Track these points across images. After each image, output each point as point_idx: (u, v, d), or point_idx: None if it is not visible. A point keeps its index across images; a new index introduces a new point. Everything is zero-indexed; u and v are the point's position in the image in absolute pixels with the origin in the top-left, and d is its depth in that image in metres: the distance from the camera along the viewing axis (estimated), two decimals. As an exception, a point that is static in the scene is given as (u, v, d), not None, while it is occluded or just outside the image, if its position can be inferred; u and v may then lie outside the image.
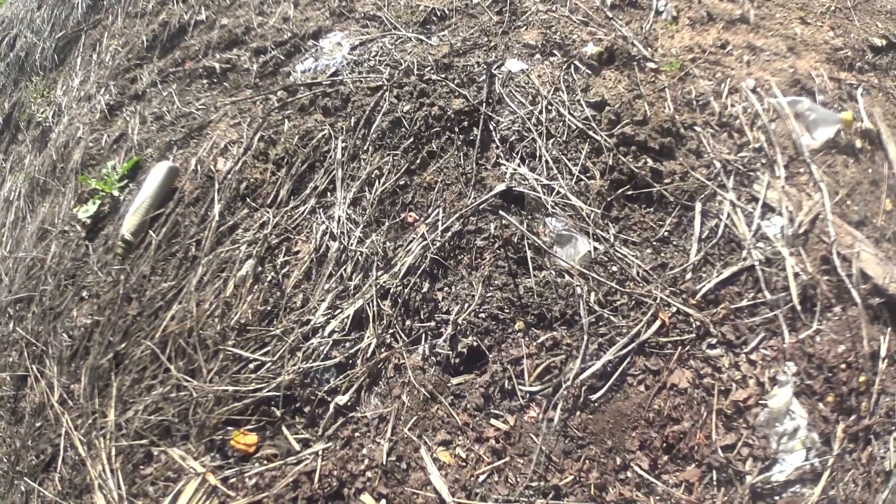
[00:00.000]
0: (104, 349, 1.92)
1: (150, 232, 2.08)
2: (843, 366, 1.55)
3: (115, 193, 2.36)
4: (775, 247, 1.70)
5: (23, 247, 2.62)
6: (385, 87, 2.07)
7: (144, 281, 1.99)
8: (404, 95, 2.04)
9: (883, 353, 1.55)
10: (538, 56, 2.19)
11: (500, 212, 1.75)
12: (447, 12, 2.47)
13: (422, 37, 2.35)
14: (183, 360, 1.74)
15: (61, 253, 2.38)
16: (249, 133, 2.18)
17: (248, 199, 2.00)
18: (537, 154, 1.84)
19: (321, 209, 1.90)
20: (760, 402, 1.51)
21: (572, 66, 2.07)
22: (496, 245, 1.71)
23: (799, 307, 1.59)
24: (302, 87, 2.26)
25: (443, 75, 2.09)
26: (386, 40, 2.39)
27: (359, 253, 1.75)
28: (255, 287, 1.78)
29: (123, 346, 1.89)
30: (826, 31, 2.42)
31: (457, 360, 1.59)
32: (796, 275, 1.63)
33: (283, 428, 1.56)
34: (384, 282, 1.69)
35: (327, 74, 2.30)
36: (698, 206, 1.75)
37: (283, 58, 2.53)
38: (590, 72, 2.06)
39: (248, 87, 2.51)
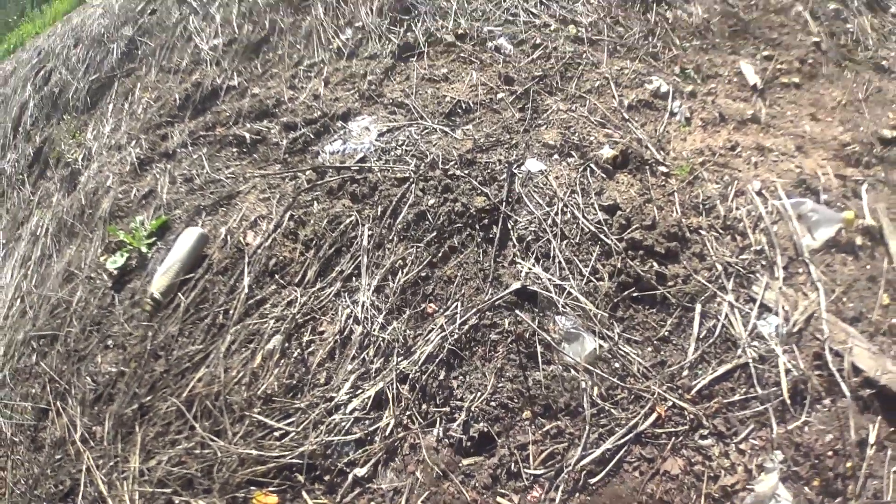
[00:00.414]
0: (129, 399, 2.38)
1: (180, 294, 2.56)
2: (830, 453, 1.93)
3: (143, 250, 2.88)
4: (769, 345, 2.14)
5: (48, 284, 3.16)
6: (412, 180, 2.62)
7: (172, 341, 2.44)
8: (429, 189, 2.56)
9: (872, 440, 1.92)
10: (556, 156, 2.76)
11: (514, 308, 2.20)
12: (472, 105, 3.03)
13: (447, 129, 2.89)
14: (209, 420, 2.16)
15: (87, 298, 2.90)
16: (279, 210, 2.68)
17: (277, 276, 2.47)
18: (551, 255, 2.31)
19: (346, 293, 2.36)
20: (747, 486, 1.91)
21: (588, 168, 2.60)
22: (509, 339, 2.19)
23: (789, 401, 1.99)
24: (331, 170, 2.78)
25: (466, 171, 2.63)
26: (412, 129, 2.94)
27: (381, 338, 2.20)
28: (282, 361, 2.22)
29: (149, 398, 2.34)
30: (836, 127, 2.96)
31: (468, 443, 1.99)
32: (787, 371, 2.03)
33: (304, 493, 1.95)
34: (404, 367, 2.13)
35: (355, 159, 2.83)
36: (698, 307, 2.20)
37: (312, 136, 3.09)
38: (604, 175, 2.57)
39: (277, 161, 3.06)
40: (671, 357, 2.16)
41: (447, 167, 2.68)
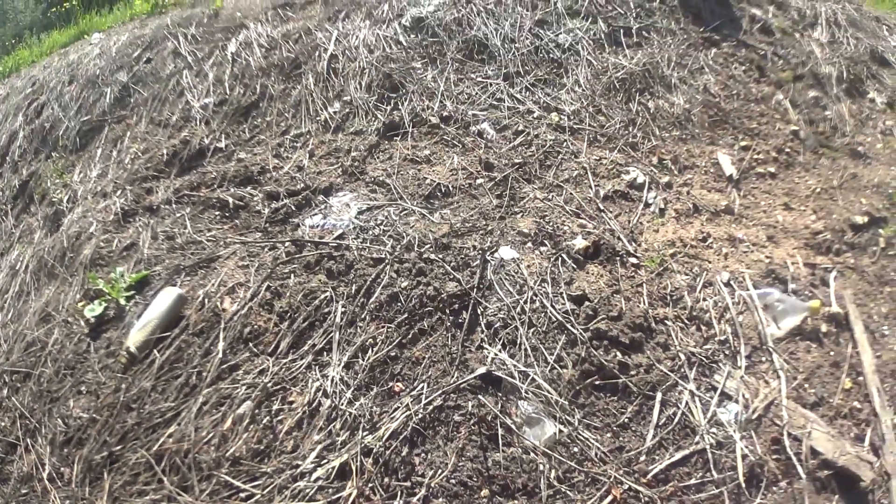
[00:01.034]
0: (100, 446, 2.71)
1: (155, 351, 2.94)
2: None
3: (121, 302, 3.28)
4: (728, 431, 2.50)
5: (24, 321, 3.54)
6: (387, 261, 3.05)
7: (145, 395, 2.79)
8: (404, 272, 2.99)
9: None
10: (530, 244, 3.20)
11: (478, 392, 2.66)
12: (451, 189, 3.50)
13: (425, 211, 3.34)
14: (177, 475, 2.49)
15: (63, 342, 3.27)
16: (257, 280, 3.08)
17: (251, 344, 2.84)
18: (518, 342, 2.73)
19: (317, 366, 2.73)
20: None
21: (560, 258, 3.07)
22: (472, 421, 2.57)
23: (744, 484, 2.34)
24: (309, 244, 3.21)
25: (441, 255, 3.10)
26: (392, 210, 3.37)
27: (348, 413, 2.56)
28: (251, 426, 2.57)
29: (119, 448, 2.67)
30: (808, 216, 3.44)
31: None
32: (744, 456, 2.38)
33: None
34: (368, 442, 2.47)
35: (334, 235, 3.27)
36: (659, 396, 2.58)
37: (293, 208, 3.54)
38: (575, 266, 3.01)
39: (258, 229, 3.50)
40: (629, 443, 2.56)
41: (422, 250, 3.17)
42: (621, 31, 4.56)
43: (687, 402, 2.63)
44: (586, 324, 2.83)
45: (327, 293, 3.03)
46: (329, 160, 3.91)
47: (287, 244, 3.35)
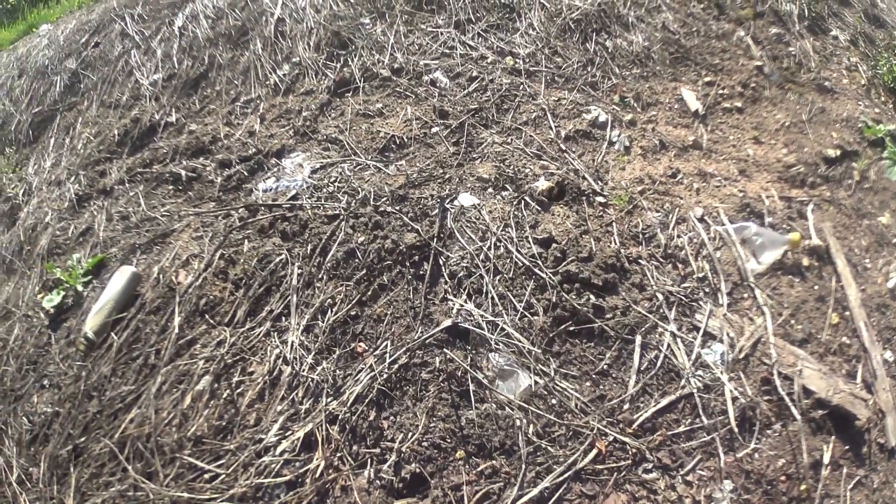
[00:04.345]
0: (64, 440, 2.43)
1: (112, 334, 2.62)
2: (783, 478, 1.99)
3: (79, 288, 2.97)
4: (715, 373, 2.23)
5: None
6: (342, 217, 2.68)
7: (105, 381, 2.49)
8: (359, 226, 2.62)
9: (826, 460, 2.01)
10: (491, 190, 2.85)
11: (445, 347, 2.31)
12: (406, 141, 3.13)
13: (380, 164, 2.98)
14: (141, 462, 2.20)
15: (24, 337, 2.97)
16: (211, 249, 2.72)
17: (207, 316, 2.50)
18: (484, 290, 2.40)
19: (276, 333, 2.39)
20: (697, 517, 1.99)
21: (523, 201, 2.72)
22: (440, 378, 2.23)
23: (736, 429, 2.05)
24: (263, 208, 2.85)
25: (398, 207, 2.74)
26: (346, 166, 3.01)
27: (310, 379, 2.23)
28: (212, 402, 2.25)
29: (83, 440, 2.40)
30: (780, 149, 3.13)
31: (400, 485, 2.01)
32: (734, 399, 2.11)
33: None
34: (333, 408, 2.15)
35: (287, 196, 2.90)
36: (638, 339, 2.27)
37: (246, 174, 3.17)
38: (539, 208, 2.66)
39: (212, 199, 3.14)
40: (611, 391, 2.22)
41: (378, 203, 2.77)
42: None
43: (669, 345, 2.32)
44: (555, 267, 2.47)
45: (282, 255, 2.67)
46: (280, 122, 3.52)
47: (241, 211, 2.91)
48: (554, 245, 2.54)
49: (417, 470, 2.08)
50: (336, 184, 2.97)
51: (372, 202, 2.79)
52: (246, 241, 2.77)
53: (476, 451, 2.13)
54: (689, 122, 3.26)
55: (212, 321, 2.52)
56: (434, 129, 3.22)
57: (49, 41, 5.09)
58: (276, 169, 3.20)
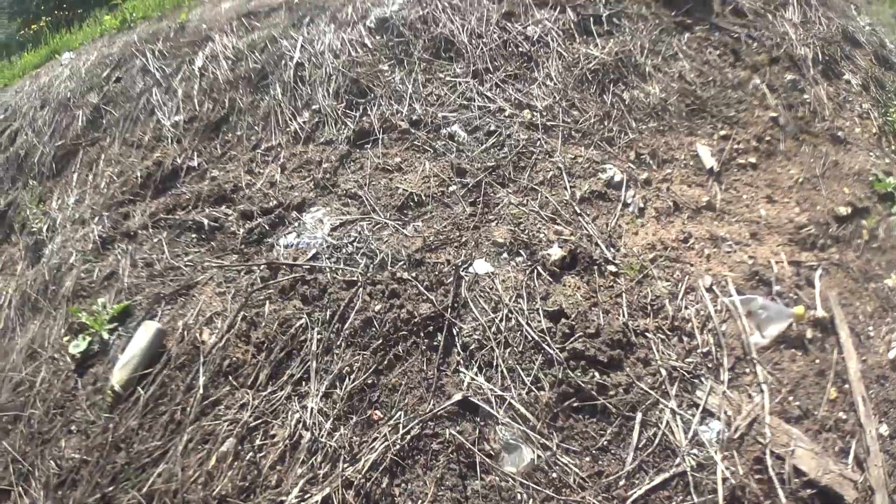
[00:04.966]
0: (92, 488, 2.79)
1: (139, 388, 2.99)
2: None
3: (105, 336, 3.33)
4: (709, 452, 2.54)
5: (11, 360, 3.62)
6: (360, 284, 3.08)
7: (132, 433, 2.86)
8: (377, 294, 2.98)
9: None
10: (505, 255, 3.16)
11: (456, 419, 2.65)
12: (424, 199, 3.48)
13: (398, 224, 3.34)
14: None
15: (51, 380, 3.33)
16: (234, 309, 3.10)
17: (231, 377, 2.88)
18: (494, 364, 2.75)
19: (296, 397, 2.77)
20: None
21: (535, 271, 3.03)
22: (450, 449, 2.61)
23: None
24: (284, 268, 3.23)
25: (414, 274, 3.09)
26: (365, 224, 3.37)
27: (328, 445, 2.60)
28: (235, 463, 2.62)
29: (111, 489, 2.75)
30: (792, 208, 3.39)
31: None
32: (724, 479, 2.39)
33: None
34: (349, 474, 2.51)
35: (308, 256, 3.26)
36: (639, 416, 2.57)
37: (267, 227, 3.54)
38: (551, 279, 3.00)
39: (234, 251, 3.52)
40: (609, 466, 2.53)
41: (395, 269, 3.12)
42: (591, 19, 4.43)
43: (668, 422, 2.60)
44: (563, 343, 2.80)
45: (302, 320, 3.03)
46: (300, 173, 3.88)
47: (262, 268, 3.29)
48: (563, 320, 2.86)
49: (425, 536, 2.45)
50: (355, 244, 3.32)
51: (389, 266, 3.13)
52: (268, 301, 3.14)
53: (480, 522, 2.47)
54: (703, 179, 3.55)
55: (235, 383, 2.90)
56: (451, 188, 3.56)
57: (71, 72, 5.56)
58: (296, 224, 3.57)
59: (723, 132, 3.81)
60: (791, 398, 2.67)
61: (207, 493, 2.62)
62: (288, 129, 4.15)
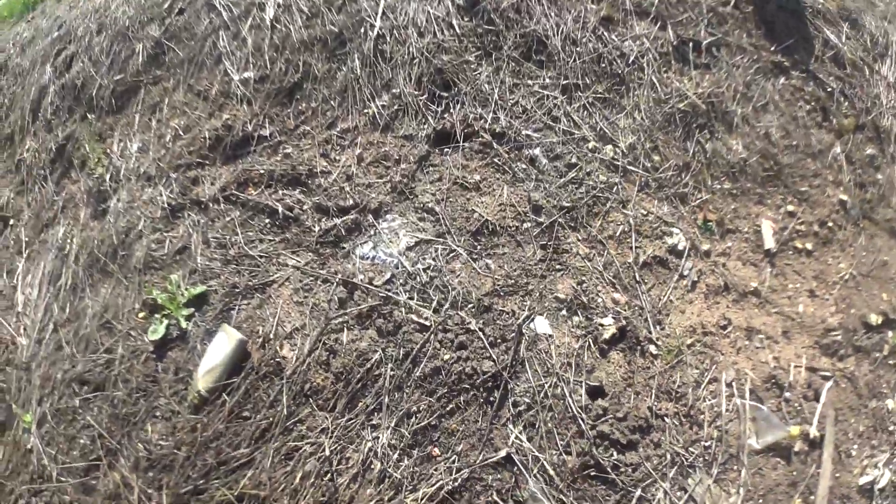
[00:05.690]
0: (185, 479, 3.72)
1: (224, 395, 3.83)
2: None
3: (183, 324, 4.05)
4: None
5: (84, 324, 4.32)
6: (432, 329, 3.89)
7: (221, 436, 3.79)
8: (447, 342, 3.77)
9: None
10: (565, 313, 3.93)
11: (498, 468, 3.67)
12: (499, 230, 4.11)
13: (472, 255, 4.05)
14: None
15: (130, 360, 4.08)
16: (313, 326, 3.87)
17: (311, 400, 3.84)
18: (537, 426, 3.71)
19: (369, 426, 3.72)
20: None
21: (588, 343, 3.86)
22: (490, 493, 3.61)
23: None
24: (360, 289, 3.97)
25: (481, 321, 3.90)
26: (439, 248, 4.09)
27: (394, 475, 3.57)
28: (316, 482, 3.78)
29: (202, 482, 3.70)
30: (829, 306, 4.11)
31: None
32: None
33: None
34: (408, 502, 3.67)
35: (384, 277, 3.98)
36: (637, 492, 3.50)
37: (343, 232, 4.18)
38: (599, 354, 3.84)
39: (309, 249, 4.17)
40: None
41: (464, 313, 3.88)
42: (690, 44, 4.65)
43: (659, 500, 3.54)
44: (595, 421, 3.69)
45: (377, 354, 3.84)
46: (377, 169, 4.40)
47: (338, 287, 4.02)
48: (599, 399, 3.73)
49: (467, 563, 3.58)
50: (429, 273, 4.01)
51: (459, 310, 3.88)
52: (345, 328, 3.93)
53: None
54: (758, 259, 4.20)
55: (315, 405, 3.81)
56: (525, 225, 4.17)
57: (127, -6, 5.57)
58: (372, 232, 4.22)
59: (790, 207, 4.36)
60: (760, 502, 3.64)
61: (292, 504, 3.65)
62: (366, 112, 4.55)
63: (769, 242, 4.21)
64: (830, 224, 4.33)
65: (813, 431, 3.78)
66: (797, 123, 4.59)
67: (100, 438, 3.92)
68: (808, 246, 4.27)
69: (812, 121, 4.63)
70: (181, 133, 4.77)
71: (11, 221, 5.13)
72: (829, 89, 4.83)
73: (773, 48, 4.92)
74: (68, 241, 4.76)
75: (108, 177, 4.84)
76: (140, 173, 4.77)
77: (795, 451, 3.74)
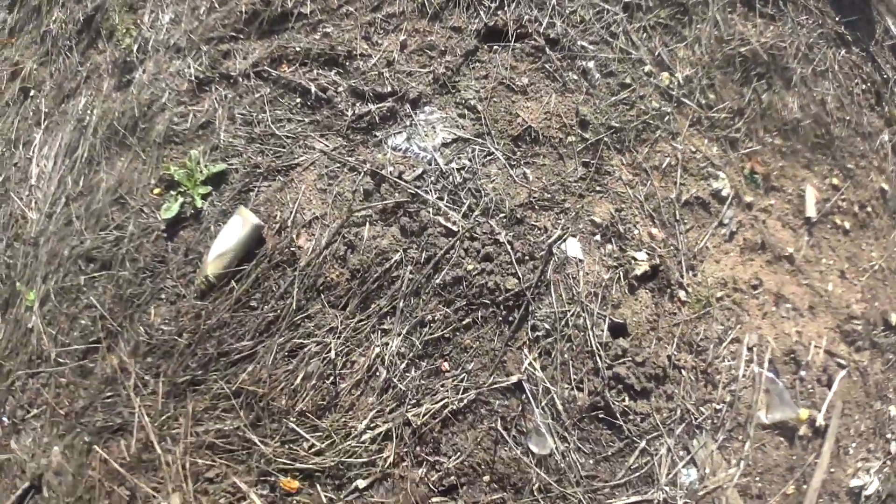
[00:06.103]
0: (183, 368, 3.51)
1: (233, 282, 3.58)
2: None
3: (198, 203, 3.77)
4: (677, 494, 3.38)
5: (97, 199, 4.06)
6: (458, 235, 3.60)
7: (224, 326, 3.52)
8: (472, 252, 3.53)
9: None
10: (598, 238, 3.69)
11: (507, 394, 3.44)
12: (541, 137, 3.83)
13: (510, 161, 3.75)
14: (251, 413, 3.39)
15: (140, 238, 3.83)
16: (334, 216, 3.63)
17: (323, 296, 3.55)
18: (552, 354, 3.50)
19: (380, 331, 3.49)
20: None
21: (618, 276, 3.64)
22: (494, 418, 3.40)
23: None
24: (388, 182, 3.70)
25: (512, 234, 3.63)
26: (476, 150, 3.78)
27: (399, 387, 3.39)
28: (318, 384, 3.43)
29: (200, 373, 3.48)
30: (855, 293, 3.98)
31: (439, 487, 3.29)
32: None
33: (318, 484, 3.30)
34: (410, 416, 3.37)
35: (415, 172, 3.71)
36: (642, 443, 3.33)
37: (378, 120, 3.88)
38: (628, 290, 3.62)
39: (339, 133, 3.89)
40: (602, 474, 3.35)
41: (494, 225, 3.60)
42: None
43: (661, 456, 3.41)
44: (612, 361, 3.50)
45: (398, 254, 3.60)
46: (420, 59, 4.07)
47: (365, 173, 3.73)
48: (621, 339, 3.54)
49: (454, 482, 3.39)
50: (463, 174, 3.74)
51: (490, 219, 3.63)
52: (367, 223, 3.63)
53: (497, 481, 3.38)
54: (798, 224, 4.03)
55: (326, 301, 3.57)
56: (570, 139, 3.89)
57: None
58: (408, 122, 3.92)
59: (835, 181, 4.18)
60: (757, 479, 3.52)
61: (290, 405, 3.41)
62: (415, -3, 4.18)
63: (811, 210, 4.04)
64: (869, 209, 4.17)
65: (820, 419, 3.68)
66: (852, 99, 4.39)
67: (101, 319, 3.73)
68: (847, 224, 4.11)
69: (866, 101, 4.46)
70: (216, 5, 4.37)
71: (32, 93, 4.79)
72: (884, 76, 4.66)
73: (837, 18, 4.67)
74: (88, 112, 4.43)
75: (135, 48, 4.46)
76: (169, 45, 4.38)
77: (800, 435, 3.64)
